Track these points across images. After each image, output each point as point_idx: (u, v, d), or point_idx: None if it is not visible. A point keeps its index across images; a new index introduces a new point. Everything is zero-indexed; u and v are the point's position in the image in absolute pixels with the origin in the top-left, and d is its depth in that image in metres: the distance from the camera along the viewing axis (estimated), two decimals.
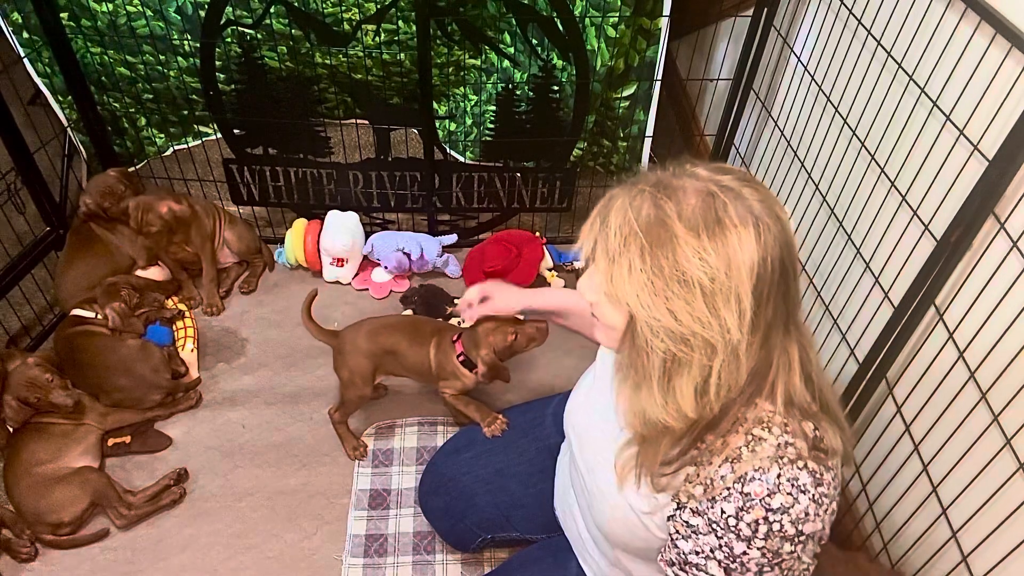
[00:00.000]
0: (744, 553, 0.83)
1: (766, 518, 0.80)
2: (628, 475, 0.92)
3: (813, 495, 0.80)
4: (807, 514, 0.80)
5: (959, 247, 1.20)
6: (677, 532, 0.89)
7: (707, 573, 0.87)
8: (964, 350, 1.21)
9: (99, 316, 1.81)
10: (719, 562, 0.85)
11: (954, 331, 1.23)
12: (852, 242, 1.58)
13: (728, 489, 0.83)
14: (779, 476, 0.80)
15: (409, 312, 2.06)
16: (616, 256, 0.79)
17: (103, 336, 1.79)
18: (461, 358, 1.56)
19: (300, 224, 2.19)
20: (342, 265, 2.18)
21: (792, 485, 0.80)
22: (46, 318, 2.02)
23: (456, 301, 2.09)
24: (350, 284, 2.20)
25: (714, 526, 0.84)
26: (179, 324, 1.97)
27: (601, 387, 1.09)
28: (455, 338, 1.58)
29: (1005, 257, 1.12)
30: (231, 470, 1.71)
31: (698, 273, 0.75)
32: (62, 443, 1.62)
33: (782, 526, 0.80)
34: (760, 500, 0.80)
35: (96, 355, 1.75)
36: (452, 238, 2.27)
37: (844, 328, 1.60)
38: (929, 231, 1.32)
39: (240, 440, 1.77)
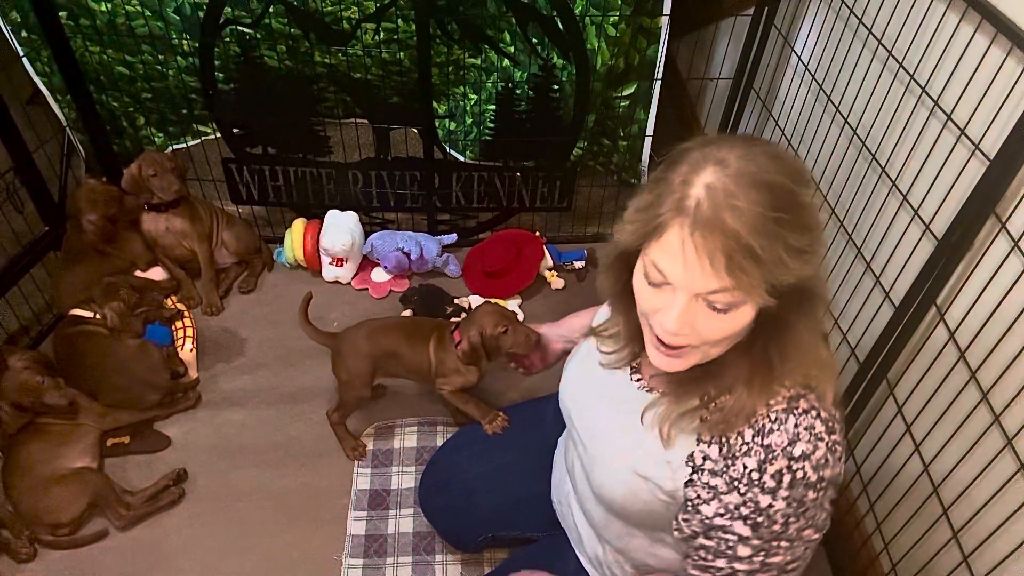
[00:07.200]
0: (770, 506, 0.83)
1: (789, 467, 0.82)
2: (670, 429, 0.90)
3: (828, 443, 0.83)
4: (826, 460, 0.82)
5: (960, 247, 1.20)
6: (698, 497, 0.88)
7: (733, 534, 0.86)
8: (965, 350, 1.21)
9: (98, 316, 1.81)
10: (745, 519, 0.85)
11: (955, 331, 1.23)
12: (853, 242, 1.58)
13: (747, 444, 0.84)
14: (796, 425, 0.82)
15: (409, 312, 2.06)
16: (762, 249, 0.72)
17: (102, 336, 1.78)
18: (459, 346, 1.56)
19: (299, 224, 2.19)
20: (341, 265, 2.17)
21: (810, 433, 0.82)
22: (45, 318, 2.02)
23: (456, 301, 2.10)
24: (349, 284, 2.20)
25: (736, 483, 0.85)
26: (178, 324, 1.97)
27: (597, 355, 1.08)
28: (453, 329, 1.58)
29: (1006, 257, 1.12)
30: (230, 470, 1.71)
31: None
32: (61, 443, 1.62)
33: (805, 473, 0.82)
34: (782, 449, 0.82)
35: (95, 355, 1.74)
36: (452, 238, 2.27)
37: (844, 328, 1.60)
38: (930, 231, 1.31)
39: (239, 440, 1.77)
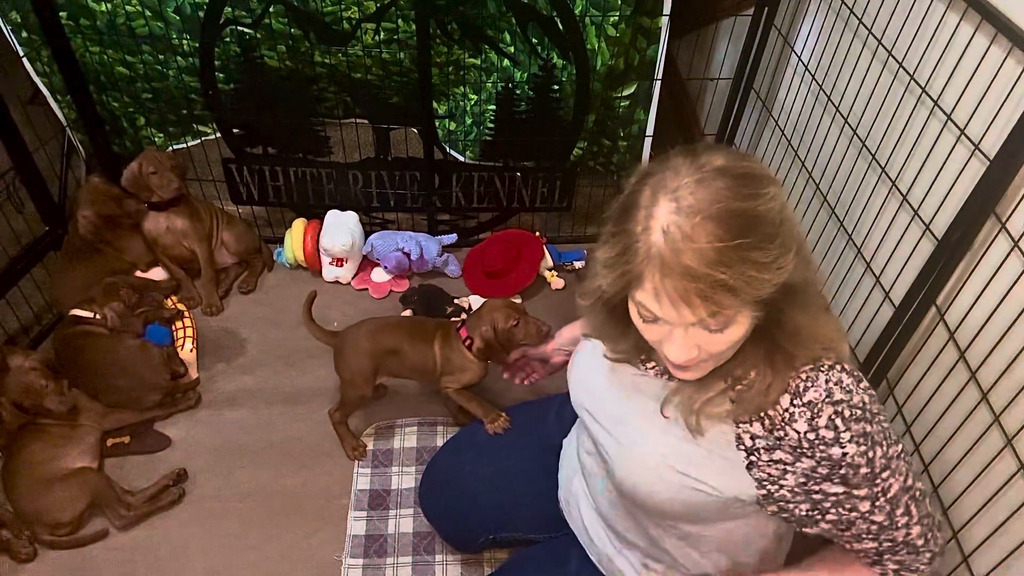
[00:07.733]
0: (844, 455, 0.83)
1: (836, 411, 0.83)
2: (699, 417, 0.91)
3: (857, 390, 0.85)
4: (864, 402, 0.85)
5: (960, 247, 1.20)
6: (769, 476, 0.88)
7: (835, 495, 0.86)
8: (965, 350, 1.21)
9: (98, 316, 1.81)
10: (830, 479, 0.85)
11: (955, 331, 1.23)
12: (853, 242, 1.58)
13: (788, 411, 0.85)
14: (827, 380, 0.85)
15: (409, 312, 2.06)
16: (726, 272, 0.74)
17: (102, 336, 1.78)
18: (468, 342, 1.56)
19: (299, 224, 2.19)
20: (341, 265, 2.17)
21: (839, 385, 0.84)
22: (45, 318, 2.02)
23: (456, 301, 2.10)
24: (350, 284, 2.20)
25: (799, 450, 0.85)
26: (178, 324, 1.96)
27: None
28: (460, 327, 1.59)
29: (1006, 257, 1.12)
30: (230, 470, 1.71)
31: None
32: (61, 443, 1.62)
33: (851, 411, 0.83)
34: (823, 401, 0.84)
35: (95, 355, 1.74)
36: (452, 238, 2.27)
37: (845, 328, 1.60)
38: (930, 231, 1.31)
39: (240, 440, 1.77)
